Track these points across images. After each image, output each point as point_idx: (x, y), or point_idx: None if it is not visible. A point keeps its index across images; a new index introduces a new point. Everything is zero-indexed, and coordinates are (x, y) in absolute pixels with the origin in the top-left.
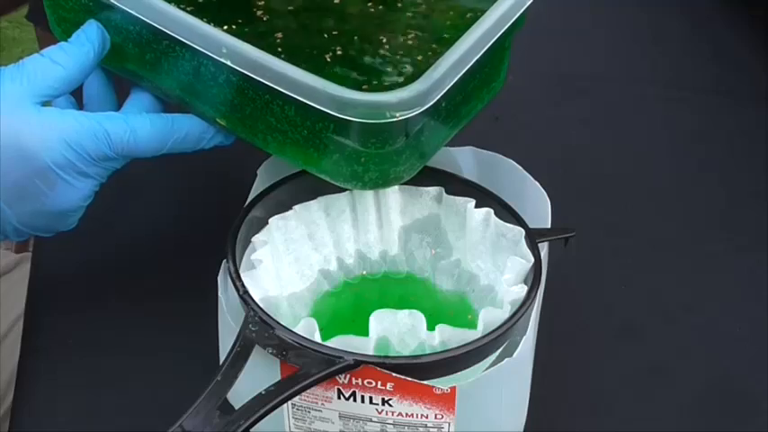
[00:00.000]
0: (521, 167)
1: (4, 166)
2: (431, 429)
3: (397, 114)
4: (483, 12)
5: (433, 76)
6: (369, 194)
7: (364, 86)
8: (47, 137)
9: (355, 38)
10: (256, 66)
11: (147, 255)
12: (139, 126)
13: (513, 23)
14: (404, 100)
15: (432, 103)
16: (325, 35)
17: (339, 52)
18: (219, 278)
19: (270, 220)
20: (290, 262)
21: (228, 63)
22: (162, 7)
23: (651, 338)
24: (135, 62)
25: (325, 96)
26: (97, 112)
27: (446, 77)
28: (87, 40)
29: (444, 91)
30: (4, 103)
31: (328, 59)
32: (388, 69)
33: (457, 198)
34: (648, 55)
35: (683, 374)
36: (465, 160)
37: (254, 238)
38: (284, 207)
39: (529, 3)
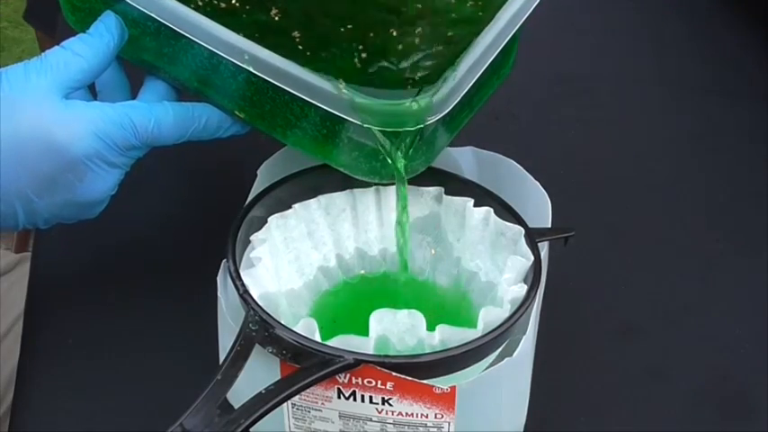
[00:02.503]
0: (521, 167)
1: (34, 160)
2: (431, 429)
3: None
4: None
5: (451, 82)
6: (369, 193)
7: (386, 71)
8: (75, 129)
9: (373, 23)
10: (279, 73)
11: (147, 254)
12: (162, 115)
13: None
14: (424, 108)
15: (450, 108)
16: (345, 24)
17: (360, 48)
18: (219, 278)
19: (269, 219)
20: (289, 260)
21: (251, 69)
22: (183, 12)
23: (651, 338)
24: (152, 54)
25: (347, 104)
26: (121, 102)
27: (464, 81)
28: (107, 31)
29: (462, 94)
30: (32, 98)
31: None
32: (408, 52)
33: (456, 198)
34: (648, 55)
35: (683, 375)
36: (465, 160)
37: (252, 237)
38: (284, 206)
39: None
